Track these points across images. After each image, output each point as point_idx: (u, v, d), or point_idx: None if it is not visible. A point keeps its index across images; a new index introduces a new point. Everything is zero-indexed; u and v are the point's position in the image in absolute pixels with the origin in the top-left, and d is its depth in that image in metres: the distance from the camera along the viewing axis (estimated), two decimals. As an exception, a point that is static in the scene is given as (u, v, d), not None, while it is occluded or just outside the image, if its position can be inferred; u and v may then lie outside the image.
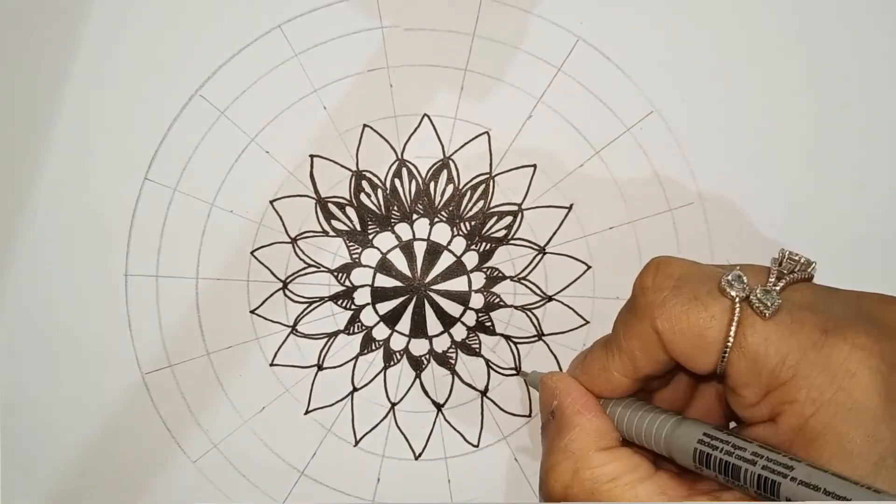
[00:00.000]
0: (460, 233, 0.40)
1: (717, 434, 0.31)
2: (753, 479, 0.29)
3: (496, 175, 0.40)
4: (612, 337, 0.33)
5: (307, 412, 0.40)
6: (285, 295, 0.40)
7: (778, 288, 0.31)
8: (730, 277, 0.30)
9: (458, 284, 0.40)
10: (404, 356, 0.40)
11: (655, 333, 0.31)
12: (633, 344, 0.32)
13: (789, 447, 0.29)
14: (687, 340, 0.31)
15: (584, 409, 0.33)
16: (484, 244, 0.40)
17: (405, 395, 0.40)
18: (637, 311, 0.32)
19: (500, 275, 0.40)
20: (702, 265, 0.32)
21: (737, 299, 0.30)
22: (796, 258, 0.32)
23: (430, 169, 0.40)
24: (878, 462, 0.28)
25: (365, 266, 0.40)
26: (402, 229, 0.40)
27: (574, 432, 0.33)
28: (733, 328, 0.30)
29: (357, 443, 0.40)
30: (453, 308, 0.40)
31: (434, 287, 0.40)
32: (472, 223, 0.40)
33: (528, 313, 0.40)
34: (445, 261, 0.40)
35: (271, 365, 0.40)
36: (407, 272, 0.40)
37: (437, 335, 0.40)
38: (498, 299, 0.40)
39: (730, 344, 0.30)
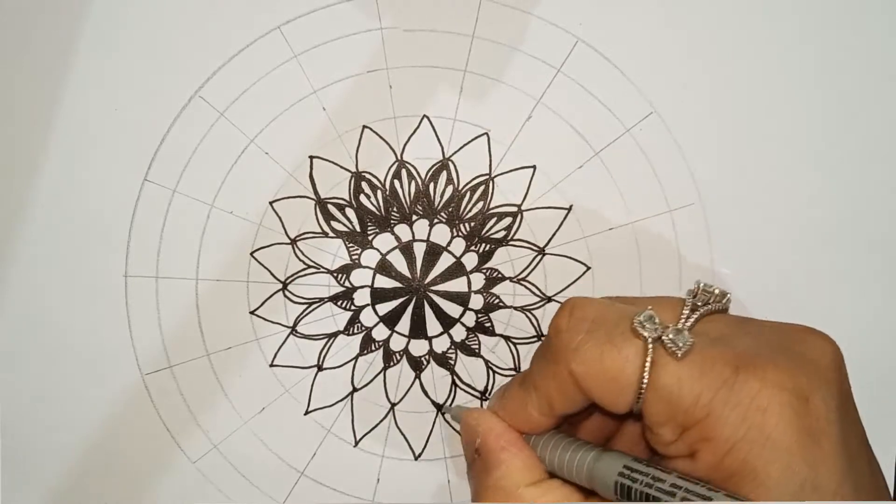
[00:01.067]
0: (460, 234, 0.40)
1: (637, 466, 0.31)
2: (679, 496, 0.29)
3: (496, 176, 0.40)
4: (528, 375, 0.34)
5: (307, 413, 0.40)
6: (285, 296, 0.40)
7: (689, 324, 0.31)
8: (641, 318, 0.31)
9: (458, 285, 0.40)
10: (404, 357, 0.40)
11: (571, 376, 0.31)
12: (550, 385, 0.32)
13: (709, 480, 0.30)
14: (602, 383, 0.31)
15: (508, 444, 0.34)
16: (483, 245, 0.40)
17: (405, 395, 0.40)
18: (552, 354, 0.32)
19: (500, 276, 0.40)
20: (617, 305, 0.33)
21: (649, 340, 0.30)
22: (710, 290, 0.33)
23: (429, 170, 0.40)
24: (796, 493, 0.28)
25: (364, 267, 0.40)
26: (402, 230, 0.40)
27: (501, 469, 0.33)
28: (646, 370, 0.30)
29: (357, 443, 0.40)
30: (453, 309, 0.40)
31: (433, 288, 0.40)
32: (472, 224, 0.40)
33: (528, 314, 0.40)
34: (445, 262, 0.40)
35: (271, 366, 0.40)
36: (406, 273, 0.40)
37: (436, 336, 0.40)
38: (497, 300, 0.40)
39: (644, 386, 0.30)
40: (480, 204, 0.40)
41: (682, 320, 0.32)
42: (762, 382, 0.29)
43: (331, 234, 0.40)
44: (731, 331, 0.32)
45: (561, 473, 0.33)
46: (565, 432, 0.34)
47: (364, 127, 0.40)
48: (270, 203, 0.40)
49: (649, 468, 0.31)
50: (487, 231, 0.40)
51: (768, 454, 0.28)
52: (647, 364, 0.30)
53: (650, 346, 0.30)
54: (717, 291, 0.33)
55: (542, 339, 0.33)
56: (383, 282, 0.40)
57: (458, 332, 0.40)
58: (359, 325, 0.40)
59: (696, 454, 0.30)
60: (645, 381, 0.30)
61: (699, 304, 0.32)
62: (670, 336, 0.30)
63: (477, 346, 0.40)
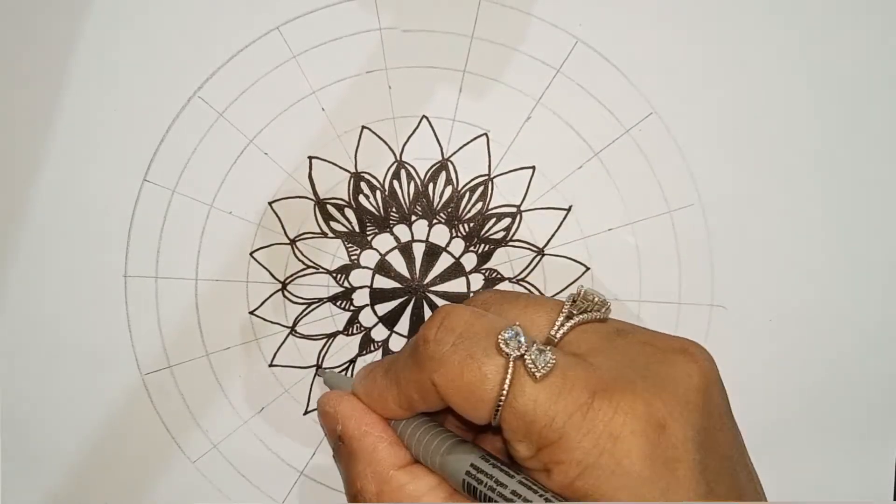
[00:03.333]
0: (459, 234, 0.40)
1: (483, 466, 0.31)
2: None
3: (495, 177, 0.40)
4: (392, 368, 0.34)
5: (306, 412, 0.40)
6: (284, 296, 0.40)
7: (562, 332, 0.32)
8: (506, 336, 0.31)
9: (457, 286, 0.40)
10: (403, 357, 0.40)
11: (432, 385, 0.31)
12: (412, 388, 0.32)
13: (563, 496, 0.30)
14: (462, 396, 0.31)
15: (369, 428, 0.34)
16: (483, 245, 0.40)
17: (404, 395, 0.40)
18: (417, 362, 0.32)
19: (499, 276, 0.40)
20: (487, 317, 0.32)
21: (511, 358, 0.30)
22: (591, 298, 0.32)
23: (428, 170, 0.40)
24: None
25: (364, 267, 0.40)
26: (401, 231, 0.40)
27: (367, 454, 0.33)
28: (505, 388, 0.30)
29: (356, 443, 0.40)
30: (452, 309, 0.40)
31: (433, 288, 0.40)
32: (471, 224, 0.40)
33: (527, 315, 0.40)
34: (444, 262, 0.40)
35: (270, 365, 0.40)
36: (406, 273, 0.40)
37: (435, 336, 0.40)
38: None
39: (501, 403, 0.30)
40: (480, 204, 0.40)
41: (554, 329, 0.32)
42: (615, 410, 0.29)
43: (330, 234, 0.40)
44: (601, 346, 0.32)
45: (421, 459, 0.33)
46: (429, 417, 0.34)
47: (363, 127, 0.40)
48: (270, 203, 0.40)
49: (495, 469, 0.31)
50: (486, 231, 0.40)
51: (618, 481, 0.28)
52: (508, 382, 0.30)
53: (511, 364, 0.30)
54: (596, 300, 0.33)
55: (413, 340, 0.33)
56: (382, 282, 0.40)
57: (458, 333, 0.40)
58: (358, 325, 0.40)
59: (550, 472, 0.30)
60: (503, 399, 0.30)
61: (575, 312, 0.32)
62: (532, 356, 0.30)
63: (476, 347, 0.40)
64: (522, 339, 0.30)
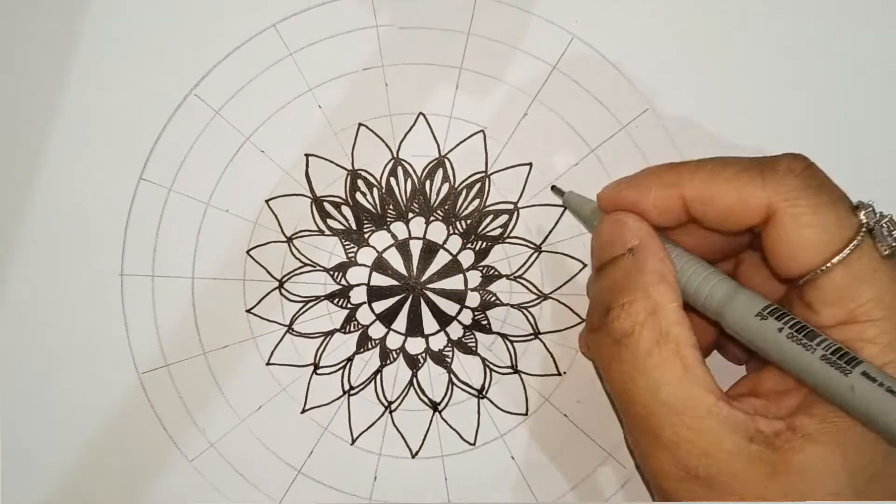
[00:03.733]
0: (456, 231, 0.40)
1: (786, 312, 0.30)
2: (824, 352, 0.28)
3: (492, 173, 0.40)
4: (704, 167, 0.31)
5: (304, 411, 0.40)
6: (281, 294, 0.40)
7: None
8: (865, 203, 0.30)
9: (454, 283, 0.40)
10: (400, 355, 0.40)
11: (765, 209, 0.30)
12: (730, 194, 0.30)
13: None
14: (800, 237, 0.29)
15: (667, 257, 0.32)
16: (480, 242, 0.40)
17: (402, 393, 0.40)
18: (767, 181, 0.30)
19: (496, 273, 0.40)
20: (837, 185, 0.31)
21: (866, 225, 0.29)
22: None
23: (425, 167, 0.40)
24: None
25: (361, 265, 0.40)
26: (398, 228, 0.40)
27: (656, 276, 0.31)
28: (852, 245, 0.29)
29: (354, 441, 0.40)
30: (449, 307, 0.40)
31: (430, 286, 0.40)
32: (468, 222, 0.40)
33: (525, 312, 0.40)
34: (441, 259, 0.40)
35: (268, 364, 0.40)
36: (403, 271, 0.40)
37: (433, 334, 0.40)
38: (494, 298, 0.40)
39: (837, 260, 0.29)
40: (477, 201, 0.40)
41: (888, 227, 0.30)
42: None
43: (327, 232, 0.40)
44: None
45: (686, 294, 0.32)
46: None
47: (360, 125, 0.40)
48: (266, 201, 0.40)
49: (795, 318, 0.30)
50: (484, 228, 0.40)
51: None
52: (855, 243, 0.29)
53: (864, 230, 0.29)
54: None
55: (758, 159, 0.31)
56: (380, 280, 0.40)
57: (455, 330, 0.40)
58: (355, 323, 0.40)
59: (844, 345, 0.29)
60: (844, 255, 0.29)
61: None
62: (885, 230, 0.29)
63: (474, 344, 0.40)
64: (878, 213, 0.30)
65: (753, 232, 0.31)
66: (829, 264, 0.29)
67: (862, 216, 0.30)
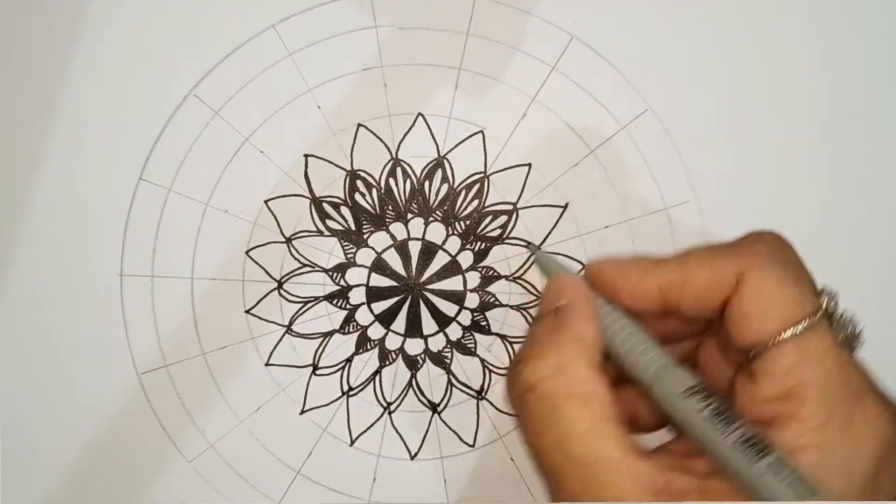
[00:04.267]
0: (455, 232, 0.40)
1: (713, 393, 0.30)
2: (737, 438, 0.29)
3: (491, 174, 0.40)
4: (674, 257, 0.32)
5: (303, 412, 0.40)
6: (280, 295, 0.40)
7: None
8: (828, 288, 0.30)
9: (453, 284, 0.40)
10: (399, 356, 0.40)
11: (734, 280, 0.30)
12: (703, 273, 0.31)
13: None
14: (761, 306, 0.30)
15: (590, 320, 0.32)
16: (479, 243, 0.40)
17: (401, 394, 0.40)
18: (737, 251, 0.31)
19: (495, 274, 0.40)
20: (806, 265, 0.32)
21: (824, 305, 0.30)
22: (857, 325, 0.32)
23: (424, 168, 0.40)
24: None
25: (360, 266, 0.40)
26: (397, 229, 0.40)
27: (572, 335, 0.32)
28: (806, 323, 0.29)
29: (353, 442, 0.40)
30: (448, 308, 0.40)
31: (429, 286, 0.40)
32: (467, 222, 0.40)
33: (524, 312, 0.40)
34: (440, 260, 0.40)
35: (267, 365, 0.40)
36: (402, 272, 0.40)
37: (432, 335, 0.40)
38: (493, 298, 0.40)
39: (790, 334, 0.29)
40: (476, 202, 0.40)
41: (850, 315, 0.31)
42: (878, 418, 0.29)
43: (326, 232, 0.40)
44: (851, 359, 0.31)
45: (621, 358, 0.32)
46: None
47: (359, 125, 0.40)
48: (265, 202, 0.40)
49: (717, 400, 0.30)
50: (483, 229, 0.40)
51: (842, 474, 0.28)
52: (810, 321, 0.29)
53: (822, 312, 0.30)
54: (859, 330, 0.32)
55: (725, 241, 0.32)
56: (379, 280, 0.40)
57: (454, 331, 0.40)
58: (354, 323, 0.40)
59: (776, 424, 0.29)
60: (798, 330, 0.29)
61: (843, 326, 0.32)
62: (845, 319, 0.30)
63: (473, 345, 0.40)
64: (838, 301, 0.30)
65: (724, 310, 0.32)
66: (782, 336, 0.30)
67: (824, 300, 0.30)
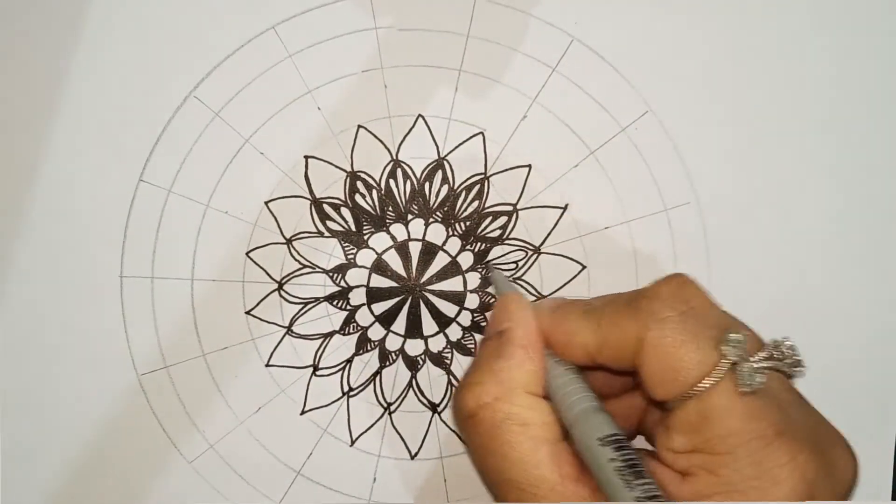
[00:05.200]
0: (455, 233, 0.40)
1: (623, 444, 0.31)
2: (640, 493, 0.29)
3: (491, 175, 0.40)
4: (593, 312, 0.33)
5: (303, 412, 0.40)
6: (280, 296, 0.40)
7: (765, 366, 0.31)
8: (733, 338, 0.30)
9: (454, 285, 0.40)
10: (400, 356, 0.40)
11: (639, 341, 0.31)
12: (612, 335, 0.32)
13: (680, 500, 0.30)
14: (660, 366, 0.31)
15: (531, 347, 0.33)
16: (479, 244, 0.40)
17: (401, 395, 0.40)
18: (637, 311, 0.31)
19: (480, 270, 0.40)
20: (717, 307, 0.32)
21: (728, 359, 0.30)
22: (793, 353, 0.32)
23: (424, 169, 0.40)
24: None
25: (360, 266, 0.40)
26: (397, 230, 0.40)
27: (512, 362, 0.33)
28: (705, 383, 0.30)
29: (353, 442, 0.40)
30: (449, 308, 0.40)
31: (429, 287, 0.40)
32: (467, 223, 0.40)
33: (524, 313, 0.40)
34: (441, 261, 0.40)
35: (267, 365, 0.40)
36: (402, 272, 0.40)
37: (432, 335, 0.40)
38: (493, 299, 0.40)
39: (693, 393, 0.30)
40: (476, 203, 0.40)
41: (758, 361, 0.31)
42: (791, 459, 0.29)
43: (326, 233, 0.40)
44: (789, 397, 0.32)
45: (552, 398, 0.33)
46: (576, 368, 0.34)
47: (359, 126, 0.40)
48: (266, 203, 0.40)
49: (628, 454, 0.31)
50: (483, 230, 0.40)
51: None
52: (711, 381, 0.30)
53: (723, 364, 0.30)
54: (797, 358, 0.32)
55: (633, 292, 0.32)
56: (379, 281, 0.40)
57: (454, 332, 0.40)
58: (354, 324, 0.40)
59: (690, 476, 0.30)
60: (697, 390, 0.30)
61: (776, 357, 0.32)
62: (745, 370, 0.30)
63: (473, 346, 0.40)
64: (744, 350, 0.30)
65: None
66: (684, 396, 0.30)
67: (725, 350, 0.30)
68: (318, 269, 0.40)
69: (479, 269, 0.40)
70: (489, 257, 0.40)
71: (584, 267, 0.40)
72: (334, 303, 0.40)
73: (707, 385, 0.30)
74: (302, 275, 0.40)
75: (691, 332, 0.31)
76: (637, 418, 0.36)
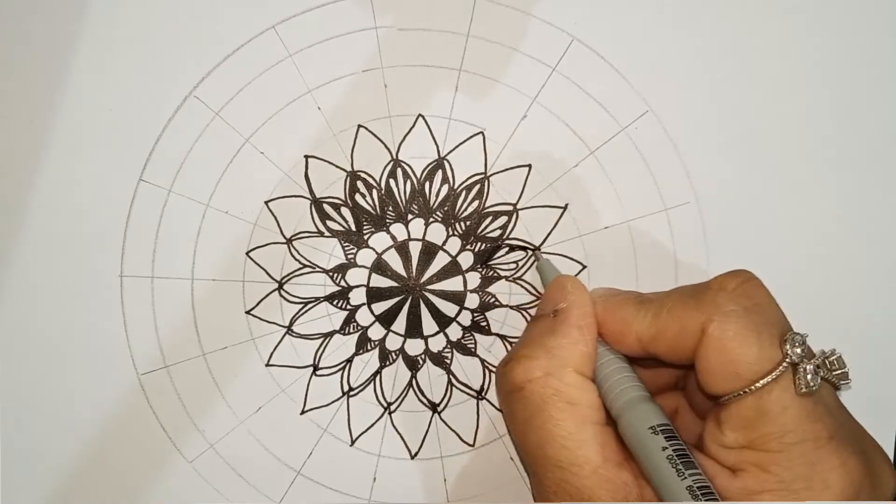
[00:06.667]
0: (455, 233, 0.40)
1: (678, 436, 0.31)
2: (691, 483, 0.29)
3: (491, 175, 0.40)
4: (652, 302, 0.33)
5: (303, 412, 0.40)
6: (281, 295, 0.40)
7: (819, 374, 0.31)
8: (797, 337, 0.31)
9: (454, 284, 0.40)
10: (400, 356, 0.40)
11: (700, 332, 0.31)
12: (672, 325, 0.32)
13: (725, 496, 0.30)
14: (721, 359, 0.31)
15: (586, 328, 0.33)
16: (479, 244, 0.40)
17: (401, 394, 0.40)
18: (701, 302, 0.31)
19: (496, 275, 0.40)
20: (779, 307, 0.32)
21: (788, 359, 0.30)
22: (843, 365, 0.32)
23: (424, 169, 0.40)
24: None
25: (360, 266, 0.40)
26: (398, 229, 0.40)
27: (567, 341, 0.33)
28: (766, 380, 0.30)
29: (353, 442, 0.40)
30: (449, 308, 0.40)
31: (429, 287, 0.40)
32: (468, 223, 0.40)
33: (524, 313, 0.40)
34: (441, 261, 0.40)
35: (267, 365, 0.40)
36: (402, 272, 0.40)
37: (432, 335, 0.40)
38: (493, 299, 0.40)
39: (752, 389, 0.30)
40: (476, 203, 0.40)
41: (810, 371, 0.31)
42: (842, 464, 0.30)
43: (326, 233, 0.40)
44: (837, 406, 0.32)
45: (599, 386, 0.33)
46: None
47: (359, 126, 0.40)
48: (266, 203, 0.40)
49: (679, 444, 0.31)
50: (483, 230, 0.40)
51: None
52: (771, 377, 0.30)
53: (785, 365, 0.30)
54: (845, 370, 0.33)
55: (696, 285, 0.32)
56: (379, 281, 0.40)
57: (454, 332, 0.40)
58: (354, 324, 0.40)
59: (741, 472, 0.30)
60: (756, 387, 0.30)
61: (826, 366, 0.32)
62: (806, 369, 0.30)
63: (473, 346, 0.40)
64: (806, 350, 0.31)
65: None
66: (742, 392, 0.30)
67: (787, 350, 0.30)
68: (318, 269, 0.40)
69: (479, 269, 0.40)
70: (498, 255, 0.40)
71: (584, 267, 0.40)
72: (334, 302, 0.40)
73: (767, 381, 0.30)
74: (302, 274, 0.40)
75: (754, 328, 0.31)
76: (672, 419, 0.36)
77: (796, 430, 0.30)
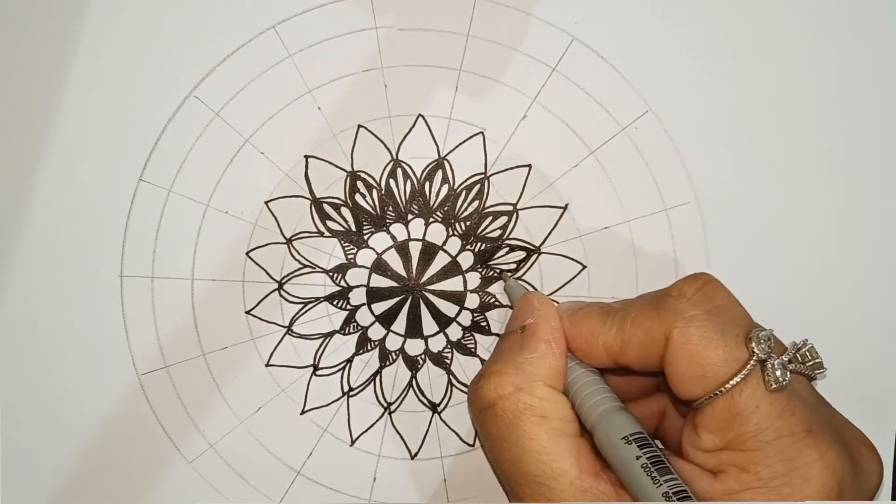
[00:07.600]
0: (455, 233, 0.40)
1: (652, 443, 0.31)
2: (667, 489, 0.30)
3: (491, 175, 0.40)
4: (616, 313, 0.33)
5: (303, 412, 0.40)
6: (281, 295, 0.40)
7: (791, 367, 0.31)
8: (761, 334, 0.31)
9: (454, 284, 0.40)
10: (400, 356, 0.40)
11: (665, 339, 0.31)
12: (637, 335, 0.32)
13: (706, 499, 0.30)
14: (687, 364, 0.31)
15: (554, 342, 0.33)
16: (479, 244, 0.40)
17: (401, 394, 0.40)
18: (662, 310, 0.32)
19: (495, 275, 0.40)
20: (741, 305, 0.32)
21: (755, 358, 0.30)
22: (815, 356, 0.32)
23: (424, 169, 0.40)
24: None
25: (360, 266, 0.40)
26: (398, 230, 0.40)
27: (535, 355, 0.33)
28: (735, 380, 0.30)
29: (353, 442, 0.40)
30: (449, 308, 0.40)
31: (429, 287, 0.40)
32: (468, 223, 0.40)
33: (524, 313, 0.40)
34: (441, 261, 0.40)
35: (267, 365, 0.40)
36: (402, 272, 0.40)
37: (432, 335, 0.40)
38: (493, 299, 0.40)
39: (723, 391, 0.30)
40: (476, 203, 0.40)
41: (785, 358, 0.31)
42: (820, 457, 0.30)
43: (326, 233, 0.40)
44: (813, 398, 0.32)
45: (573, 400, 0.33)
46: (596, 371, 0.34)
47: (359, 126, 0.40)
48: (266, 203, 0.40)
49: (653, 452, 0.31)
50: (483, 230, 0.40)
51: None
52: (740, 377, 0.30)
53: (752, 363, 0.30)
54: (818, 360, 0.33)
55: (657, 292, 0.33)
56: (379, 281, 0.40)
57: (454, 332, 0.40)
58: (354, 324, 0.40)
59: (721, 474, 0.30)
60: (725, 389, 0.30)
61: (799, 359, 0.32)
62: (774, 365, 0.30)
63: (473, 346, 0.40)
64: (772, 346, 0.31)
65: None
66: (713, 394, 0.30)
67: (753, 347, 0.30)
68: (318, 269, 0.40)
69: (479, 270, 0.40)
70: (494, 260, 0.40)
71: (584, 267, 0.40)
72: (334, 302, 0.40)
73: (736, 382, 0.30)
74: (302, 275, 0.40)
75: (718, 330, 0.31)
76: (655, 422, 0.36)
77: (771, 428, 0.30)
